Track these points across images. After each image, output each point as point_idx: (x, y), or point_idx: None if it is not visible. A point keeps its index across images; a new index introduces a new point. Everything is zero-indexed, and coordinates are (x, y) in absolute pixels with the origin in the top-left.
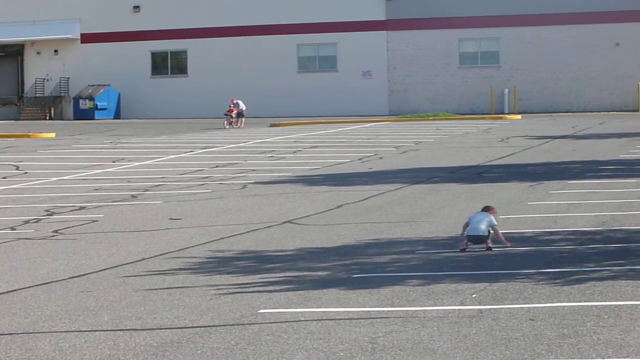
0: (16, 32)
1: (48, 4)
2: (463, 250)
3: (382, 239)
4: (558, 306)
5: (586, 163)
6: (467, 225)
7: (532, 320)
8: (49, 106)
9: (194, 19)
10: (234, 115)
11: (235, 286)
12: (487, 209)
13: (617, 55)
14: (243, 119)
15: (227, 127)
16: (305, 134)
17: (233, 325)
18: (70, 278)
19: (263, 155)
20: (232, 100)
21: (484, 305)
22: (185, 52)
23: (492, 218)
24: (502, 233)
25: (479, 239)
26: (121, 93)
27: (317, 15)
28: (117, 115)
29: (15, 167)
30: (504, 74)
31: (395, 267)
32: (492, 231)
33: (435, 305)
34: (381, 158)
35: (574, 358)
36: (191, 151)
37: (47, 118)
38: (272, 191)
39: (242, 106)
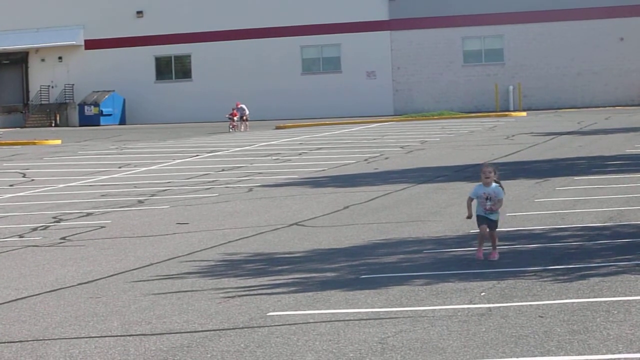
0: (20, 40)
1: (51, 11)
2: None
3: (389, 239)
4: (567, 302)
5: (592, 159)
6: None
7: (542, 317)
8: (54, 113)
9: (197, 23)
10: (236, 119)
11: (244, 289)
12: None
13: (621, 50)
14: (247, 123)
15: (231, 130)
16: (310, 135)
17: (242, 328)
18: (79, 284)
19: (269, 157)
20: (237, 105)
21: (493, 303)
22: (189, 56)
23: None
24: (509, 231)
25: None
26: (126, 98)
27: (320, 17)
28: (122, 121)
29: (22, 175)
30: (508, 71)
31: (403, 267)
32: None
33: (444, 304)
34: (387, 158)
35: (584, 354)
36: (197, 155)
37: (53, 125)
38: (278, 193)
39: (246, 110)
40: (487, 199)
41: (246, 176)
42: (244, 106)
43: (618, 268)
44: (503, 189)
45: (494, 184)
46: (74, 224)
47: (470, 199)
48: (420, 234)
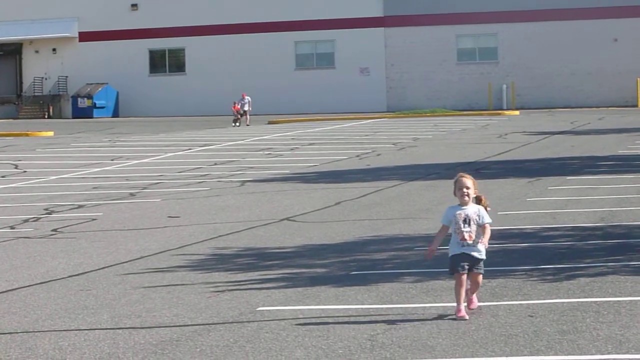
0: (14, 31)
1: (46, 2)
2: None
3: (380, 235)
4: (557, 302)
5: (585, 159)
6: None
7: (532, 316)
8: (47, 105)
9: (192, 17)
10: (237, 113)
11: (234, 284)
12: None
13: (615, 51)
14: (248, 117)
15: (238, 125)
16: (303, 131)
17: (232, 323)
18: (69, 276)
19: (261, 152)
20: (243, 96)
21: (483, 301)
22: (183, 50)
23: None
24: (501, 229)
25: None
26: (119, 91)
27: (315, 12)
28: (115, 114)
29: (14, 166)
30: (502, 70)
31: (394, 264)
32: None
33: (434, 302)
34: (379, 155)
35: (573, 354)
36: (189, 149)
37: (46, 117)
38: (270, 188)
39: (248, 103)
40: (464, 221)
41: (238, 170)
42: (249, 98)
43: (608, 269)
44: (487, 209)
45: (472, 204)
46: (66, 216)
47: (445, 228)
48: (411, 231)
